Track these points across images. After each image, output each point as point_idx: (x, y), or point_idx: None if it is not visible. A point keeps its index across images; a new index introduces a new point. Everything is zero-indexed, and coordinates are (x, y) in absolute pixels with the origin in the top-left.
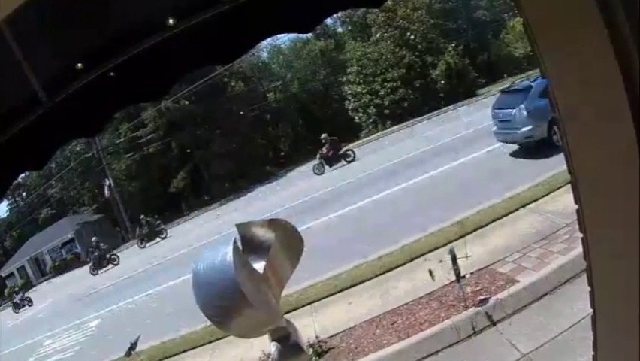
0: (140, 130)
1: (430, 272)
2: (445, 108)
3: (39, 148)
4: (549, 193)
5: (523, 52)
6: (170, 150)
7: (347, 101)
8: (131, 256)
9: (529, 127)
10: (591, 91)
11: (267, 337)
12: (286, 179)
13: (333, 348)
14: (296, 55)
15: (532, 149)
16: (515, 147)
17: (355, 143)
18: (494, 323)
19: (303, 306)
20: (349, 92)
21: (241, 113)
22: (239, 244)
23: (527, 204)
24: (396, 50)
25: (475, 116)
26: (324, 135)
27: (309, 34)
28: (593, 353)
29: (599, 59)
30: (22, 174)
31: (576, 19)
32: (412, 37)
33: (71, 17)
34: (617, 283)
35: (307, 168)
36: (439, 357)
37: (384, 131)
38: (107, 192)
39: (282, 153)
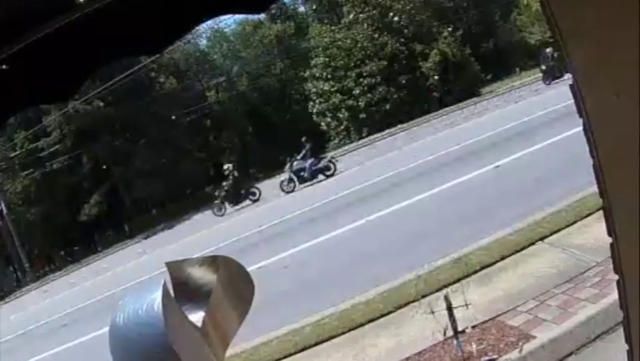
0: (42, 140)
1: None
2: (440, 111)
3: None
4: (575, 222)
5: (540, 38)
6: (80, 166)
7: (311, 103)
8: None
9: None
10: (631, 89)
11: None
12: None
13: None
14: (244, 42)
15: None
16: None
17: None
18: None
19: None
20: (314, 90)
21: (173, 118)
22: (170, 288)
23: (546, 236)
24: (376, 35)
25: (478, 119)
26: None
27: (262, 16)
28: None
29: None
30: None
31: None
32: (396, 18)
33: None
34: None
35: (260, 189)
36: None
37: (362, 141)
38: None
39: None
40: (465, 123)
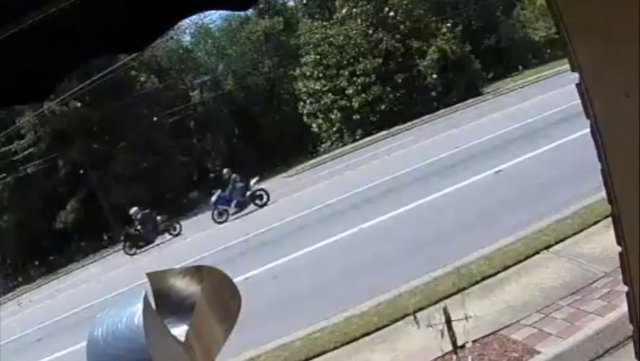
0: (15, 143)
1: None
2: (439, 112)
3: None
4: (581, 230)
5: (545, 34)
6: (56, 170)
7: (301, 103)
8: None
9: None
10: None
11: None
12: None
13: None
14: (231, 39)
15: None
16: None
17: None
18: None
19: None
20: (304, 90)
21: (154, 119)
22: (151, 300)
23: (552, 245)
24: (370, 31)
25: (479, 120)
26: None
27: (249, 11)
28: None
29: None
30: None
31: None
32: (392, 13)
33: None
34: None
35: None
36: None
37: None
38: None
39: (212, 175)
40: (465, 125)
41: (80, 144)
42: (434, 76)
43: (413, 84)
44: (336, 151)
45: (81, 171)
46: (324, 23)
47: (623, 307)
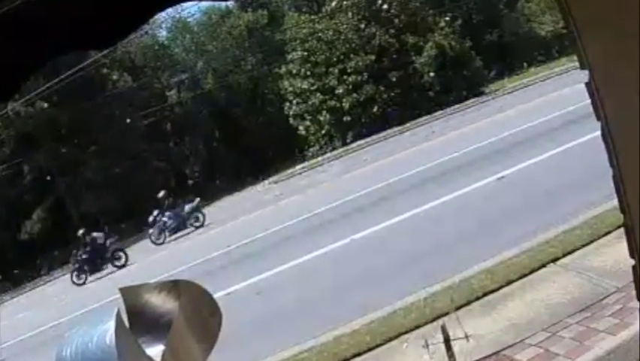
0: None
1: None
2: (437, 113)
3: None
4: (591, 242)
5: (552, 29)
6: (21, 176)
7: (287, 104)
8: None
9: None
10: None
11: None
12: None
13: None
14: (211, 34)
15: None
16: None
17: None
18: None
19: None
20: (291, 89)
21: (128, 121)
22: (124, 317)
23: (559, 258)
24: (362, 26)
25: (479, 123)
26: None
27: (231, 3)
28: None
29: None
30: None
31: None
32: (385, 6)
33: None
34: None
35: (229, 202)
36: None
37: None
38: None
39: (190, 182)
40: (465, 127)
41: (46, 148)
42: (431, 74)
43: (409, 83)
44: (325, 156)
45: (48, 178)
46: (312, 17)
47: (637, 326)
